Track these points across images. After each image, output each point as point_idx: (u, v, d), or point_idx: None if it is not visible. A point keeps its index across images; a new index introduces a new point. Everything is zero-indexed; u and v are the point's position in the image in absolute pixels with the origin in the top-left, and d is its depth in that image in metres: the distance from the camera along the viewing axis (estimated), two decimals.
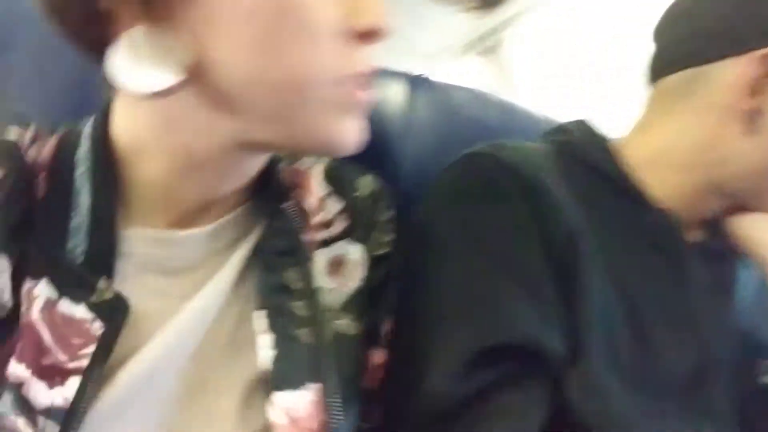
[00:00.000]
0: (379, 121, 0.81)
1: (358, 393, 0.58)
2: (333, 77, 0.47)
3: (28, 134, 0.55)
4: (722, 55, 0.62)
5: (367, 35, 0.48)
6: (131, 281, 0.53)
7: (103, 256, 0.52)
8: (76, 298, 0.50)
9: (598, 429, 0.51)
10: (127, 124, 0.53)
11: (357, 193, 0.65)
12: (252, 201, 0.59)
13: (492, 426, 0.51)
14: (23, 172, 0.52)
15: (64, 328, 0.50)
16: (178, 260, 0.55)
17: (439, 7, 2.06)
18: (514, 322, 0.54)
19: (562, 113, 0.85)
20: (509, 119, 0.88)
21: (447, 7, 2.09)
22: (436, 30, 2.23)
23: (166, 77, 0.46)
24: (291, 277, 0.57)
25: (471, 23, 2.21)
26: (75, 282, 0.51)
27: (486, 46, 2.37)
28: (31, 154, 0.54)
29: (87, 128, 0.55)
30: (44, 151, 0.54)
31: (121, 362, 0.51)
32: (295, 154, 0.64)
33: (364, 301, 0.62)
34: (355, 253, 0.62)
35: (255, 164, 0.57)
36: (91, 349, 0.49)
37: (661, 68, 0.67)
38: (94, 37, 0.47)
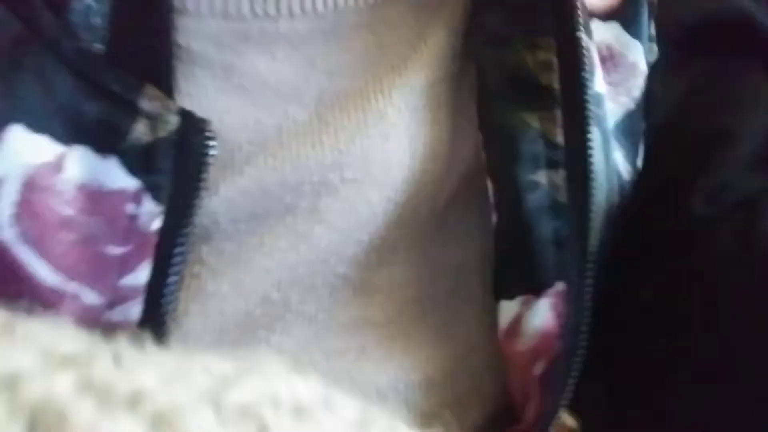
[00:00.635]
0: None
1: None
2: None
3: None
4: None
5: None
6: (212, 74, 0.32)
7: (147, 36, 0.30)
8: (97, 143, 0.29)
9: None
10: None
11: None
12: None
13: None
14: None
15: (68, 227, 0.29)
16: (309, 23, 0.33)
17: None
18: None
19: None
20: None
21: None
22: None
23: None
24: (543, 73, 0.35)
25: None
26: (88, 99, 0.29)
27: None
28: None
29: None
30: None
31: (236, 248, 0.33)
32: None
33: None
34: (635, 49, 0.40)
35: None
36: (143, 270, 0.30)
37: None
38: None
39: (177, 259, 0.31)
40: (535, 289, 0.36)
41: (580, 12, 0.35)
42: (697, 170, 0.41)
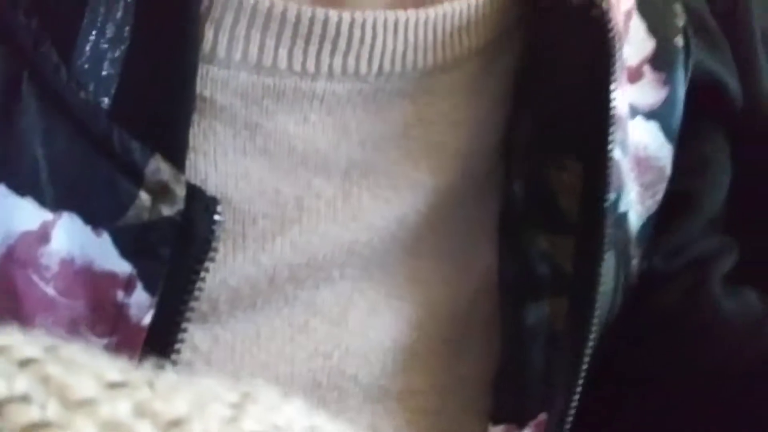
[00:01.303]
0: None
1: None
2: None
3: None
4: None
5: None
6: (234, 130, 0.29)
7: (163, 94, 0.27)
8: (90, 215, 0.26)
9: None
10: None
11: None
12: None
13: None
14: None
15: (55, 308, 0.26)
16: (347, 85, 0.30)
17: None
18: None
19: None
20: None
21: None
22: None
23: None
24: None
25: None
26: (84, 161, 0.26)
27: None
28: None
29: None
30: None
31: (241, 322, 0.31)
32: None
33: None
34: (667, 153, 0.38)
35: None
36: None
37: None
38: None
39: (168, 353, 0.28)
40: (519, 420, 0.35)
41: (616, 126, 0.33)
42: (660, 230, 0.44)
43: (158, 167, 0.26)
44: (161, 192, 0.26)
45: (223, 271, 0.29)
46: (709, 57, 0.49)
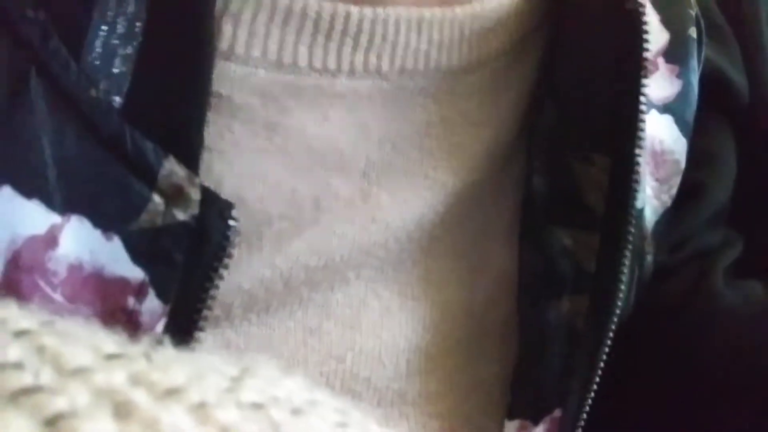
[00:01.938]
0: None
1: None
2: None
3: None
4: None
5: None
6: (253, 129, 0.28)
7: (178, 90, 0.26)
8: (100, 219, 0.25)
9: None
10: None
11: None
12: None
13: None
14: None
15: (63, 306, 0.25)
16: (369, 82, 0.30)
17: None
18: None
19: None
20: None
21: None
22: None
23: None
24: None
25: None
26: (95, 162, 0.25)
27: None
28: None
29: None
30: None
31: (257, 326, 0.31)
32: None
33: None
34: (681, 146, 0.38)
35: None
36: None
37: None
38: None
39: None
40: (535, 416, 0.34)
41: (642, 127, 0.32)
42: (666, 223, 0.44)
43: (172, 169, 0.25)
44: (175, 195, 0.25)
45: (238, 275, 0.28)
46: (717, 52, 0.49)
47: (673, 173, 0.38)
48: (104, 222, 0.25)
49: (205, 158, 0.27)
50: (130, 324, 0.25)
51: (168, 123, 0.25)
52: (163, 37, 0.25)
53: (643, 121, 0.33)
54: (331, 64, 0.29)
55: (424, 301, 0.33)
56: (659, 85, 0.37)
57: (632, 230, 0.33)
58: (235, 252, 0.26)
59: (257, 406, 0.15)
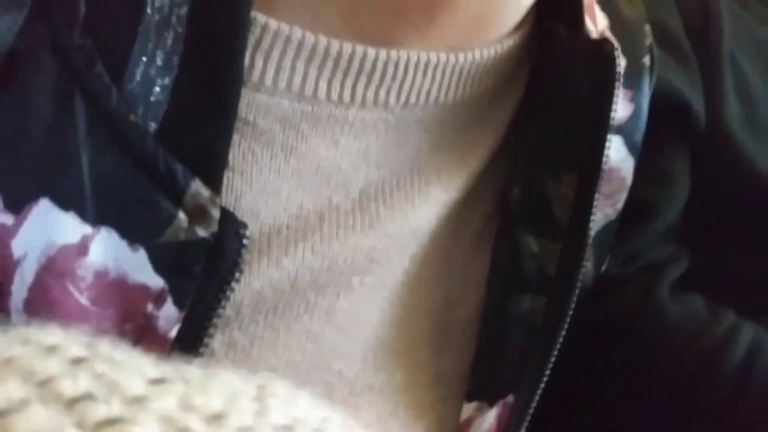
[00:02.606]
0: None
1: None
2: None
3: None
4: None
5: None
6: (272, 151, 0.31)
7: (207, 123, 0.28)
8: (128, 232, 0.27)
9: (740, 192, 0.51)
10: None
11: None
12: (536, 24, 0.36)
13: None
14: None
15: (90, 315, 0.27)
16: (378, 113, 0.32)
17: None
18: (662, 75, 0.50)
19: None
20: None
21: None
22: None
23: None
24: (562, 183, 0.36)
25: None
26: (128, 181, 0.27)
27: None
28: None
29: None
30: None
31: (252, 329, 0.32)
32: None
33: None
34: (628, 164, 0.42)
35: None
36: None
37: None
38: None
39: (188, 359, 0.25)
40: (490, 398, 0.37)
41: (609, 146, 0.36)
42: (617, 237, 0.47)
43: (198, 191, 0.28)
44: (198, 214, 0.28)
45: (248, 276, 0.30)
46: (679, 77, 0.51)
47: (619, 189, 0.42)
48: (132, 234, 0.27)
49: (228, 176, 0.29)
50: (147, 328, 0.27)
51: (197, 148, 0.28)
52: (198, 71, 0.27)
53: (609, 141, 0.36)
54: (346, 97, 0.32)
55: (397, 301, 0.36)
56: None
57: (589, 242, 0.37)
58: (245, 254, 0.29)
59: (288, 428, 0.16)
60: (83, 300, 0.27)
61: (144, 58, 0.27)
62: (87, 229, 0.26)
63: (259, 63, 0.30)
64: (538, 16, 0.36)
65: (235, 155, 0.30)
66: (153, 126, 0.27)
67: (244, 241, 0.28)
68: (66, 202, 0.26)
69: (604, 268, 0.45)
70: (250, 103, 0.30)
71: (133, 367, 0.17)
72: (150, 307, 0.28)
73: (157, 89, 0.27)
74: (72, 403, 0.14)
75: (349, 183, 0.33)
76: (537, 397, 0.38)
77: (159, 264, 0.28)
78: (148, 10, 0.27)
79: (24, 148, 0.26)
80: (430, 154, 0.34)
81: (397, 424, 0.36)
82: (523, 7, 0.33)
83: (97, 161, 0.26)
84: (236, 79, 0.28)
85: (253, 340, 0.32)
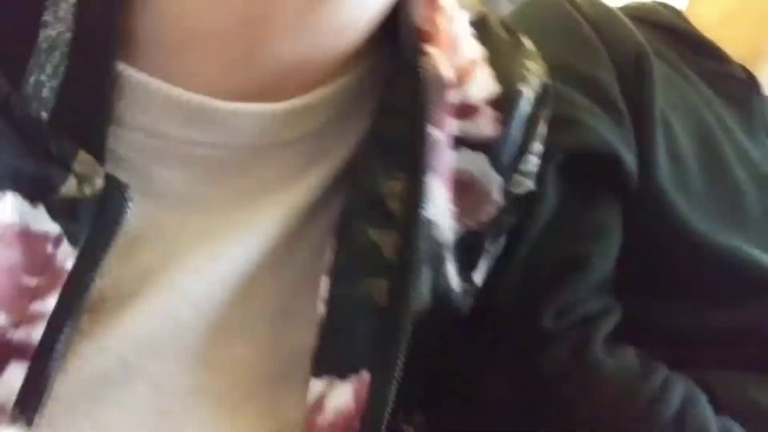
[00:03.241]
0: None
1: None
2: None
3: None
4: None
5: None
6: (131, 175, 0.36)
7: (86, 113, 0.35)
8: (29, 193, 0.34)
9: (672, 247, 0.53)
10: None
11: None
12: (367, 63, 0.41)
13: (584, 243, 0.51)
14: None
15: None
16: (219, 151, 0.38)
17: None
18: (597, 131, 0.53)
19: None
20: None
21: None
22: None
23: None
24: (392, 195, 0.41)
25: None
26: (28, 156, 0.34)
27: None
28: None
29: None
30: None
31: (108, 316, 0.36)
32: None
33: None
34: (495, 182, 0.45)
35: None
36: (51, 298, 0.33)
37: None
38: None
39: (81, 291, 0.34)
40: (340, 372, 0.40)
41: (430, 155, 0.41)
42: (551, 290, 0.48)
43: (83, 159, 0.34)
44: (86, 177, 0.34)
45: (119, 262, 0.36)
46: (614, 133, 0.53)
47: (481, 202, 0.45)
48: (32, 195, 0.34)
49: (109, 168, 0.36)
50: (48, 264, 0.34)
51: (81, 131, 0.35)
52: (78, 79, 0.35)
53: (428, 149, 0.41)
54: (190, 136, 0.38)
55: (237, 292, 0.40)
56: (479, 126, 0.44)
57: (422, 232, 0.41)
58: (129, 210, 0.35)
59: None
60: None
61: (36, 71, 0.35)
62: None
63: (121, 104, 0.36)
64: (390, 50, 0.42)
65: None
66: (44, 115, 0.34)
67: (126, 195, 0.35)
68: None
69: (479, 278, 0.47)
70: (115, 136, 0.36)
71: None
72: (50, 247, 0.34)
73: (46, 89, 0.35)
74: None
75: (182, 204, 0.38)
76: (397, 373, 0.40)
77: (56, 215, 0.34)
78: (41, 36, 0.35)
79: None
80: (260, 185, 0.40)
81: (243, 394, 0.39)
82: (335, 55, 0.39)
83: (4, 147, 0.33)
84: (109, 85, 0.35)
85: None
